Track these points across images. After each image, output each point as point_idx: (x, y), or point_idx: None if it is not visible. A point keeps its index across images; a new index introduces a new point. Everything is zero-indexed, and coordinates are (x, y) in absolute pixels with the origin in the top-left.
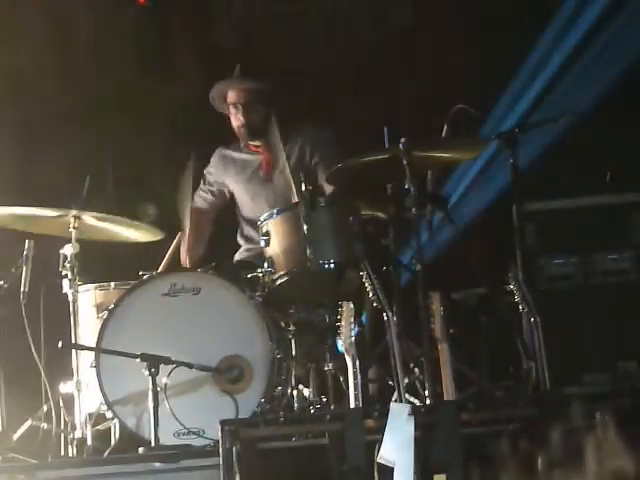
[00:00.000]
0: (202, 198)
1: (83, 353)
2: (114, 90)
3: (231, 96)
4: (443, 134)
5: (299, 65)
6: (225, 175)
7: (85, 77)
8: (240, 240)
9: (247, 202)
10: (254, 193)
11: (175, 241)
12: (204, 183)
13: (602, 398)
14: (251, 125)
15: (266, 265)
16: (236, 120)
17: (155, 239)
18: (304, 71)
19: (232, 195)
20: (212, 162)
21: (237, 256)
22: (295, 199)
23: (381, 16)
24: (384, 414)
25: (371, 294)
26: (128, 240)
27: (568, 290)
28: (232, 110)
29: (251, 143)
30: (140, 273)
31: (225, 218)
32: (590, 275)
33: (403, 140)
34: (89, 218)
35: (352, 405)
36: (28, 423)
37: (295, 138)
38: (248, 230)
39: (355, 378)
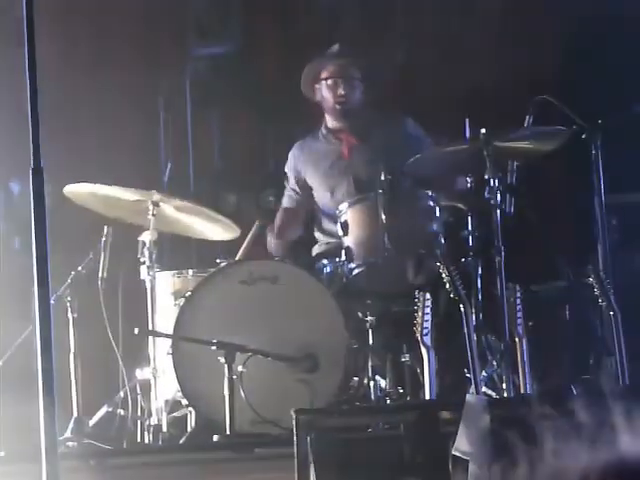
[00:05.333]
0: (288, 198)
1: (160, 340)
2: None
3: (330, 70)
4: (525, 124)
5: (380, 52)
6: (303, 167)
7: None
8: (317, 234)
9: (326, 195)
10: (334, 185)
11: (253, 229)
12: (286, 181)
13: None
14: (350, 101)
15: (343, 255)
16: (334, 95)
17: (230, 237)
18: (386, 59)
19: (311, 188)
20: (290, 157)
21: (315, 249)
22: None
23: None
24: (460, 406)
25: (448, 285)
26: (203, 235)
27: None
28: (329, 83)
29: (338, 125)
30: (217, 260)
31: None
32: None
33: (484, 130)
34: (168, 207)
35: (427, 397)
36: (104, 409)
37: (379, 125)
38: (327, 224)
39: (431, 369)
